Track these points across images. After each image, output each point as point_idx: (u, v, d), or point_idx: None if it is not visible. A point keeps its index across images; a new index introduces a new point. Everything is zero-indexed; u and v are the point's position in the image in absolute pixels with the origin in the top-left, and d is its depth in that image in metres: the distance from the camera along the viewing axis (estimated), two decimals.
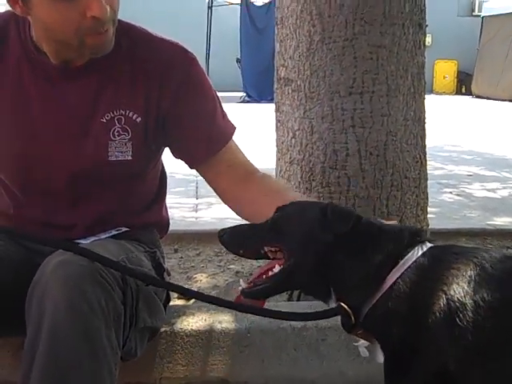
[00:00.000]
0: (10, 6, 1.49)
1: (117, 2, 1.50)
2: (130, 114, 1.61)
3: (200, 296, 1.54)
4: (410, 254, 1.28)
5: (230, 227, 1.44)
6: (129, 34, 1.63)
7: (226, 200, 1.76)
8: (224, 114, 1.73)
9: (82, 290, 1.33)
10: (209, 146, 1.69)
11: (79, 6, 1.42)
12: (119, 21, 1.58)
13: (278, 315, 1.48)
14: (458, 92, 19.03)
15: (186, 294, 1.59)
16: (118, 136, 1.60)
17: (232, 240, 1.43)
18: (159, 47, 1.64)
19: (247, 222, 1.61)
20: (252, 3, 15.34)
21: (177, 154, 1.73)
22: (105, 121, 1.60)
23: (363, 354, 1.38)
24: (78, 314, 1.31)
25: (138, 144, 1.62)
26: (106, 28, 1.48)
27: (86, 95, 1.60)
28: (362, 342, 1.37)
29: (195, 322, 1.90)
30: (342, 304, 1.31)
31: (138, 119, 1.61)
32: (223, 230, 1.43)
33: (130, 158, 1.62)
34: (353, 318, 1.30)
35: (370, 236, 1.32)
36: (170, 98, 1.62)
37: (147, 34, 1.66)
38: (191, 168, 1.76)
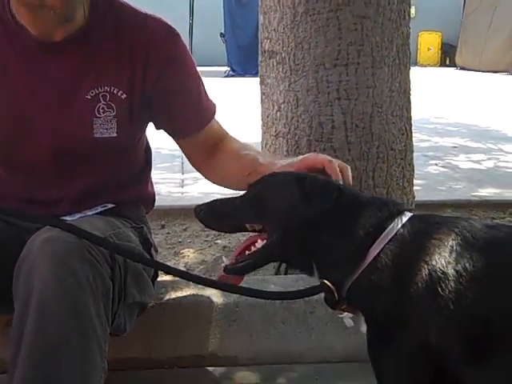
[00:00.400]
0: None
1: None
2: (115, 91, 1.59)
3: (184, 275, 1.54)
4: (390, 226, 1.27)
5: (207, 203, 1.42)
6: (114, 9, 1.61)
7: (200, 171, 1.81)
8: (206, 93, 1.74)
9: (69, 266, 1.32)
10: (193, 124, 1.70)
11: None
12: None
13: (260, 294, 1.49)
14: (443, 64, 18.98)
15: (171, 272, 1.59)
16: (103, 113, 1.59)
17: (210, 217, 1.41)
18: (144, 24, 1.62)
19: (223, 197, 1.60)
20: None
21: (160, 127, 1.74)
22: (89, 97, 1.58)
23: (348, 324, 1.39)
24: (66, 290, 1.31)
25: (122, 121, 1.61)
26: None
27: (70, 70, 1.57)
28: (347, 313, 1.37)
29: (183, 296, 1.91)
30: (325, 281, 1.31)
31: (123, 96, 1.59)
32: (200, 206, 1.41)
33: (115, 134, 1.60)
34: (336, 295, 1.30)
35: (350, 209, 1.31)
36: (155, 74, 1.61)
37: (132, 9, 1.64)
38: (172, 138, 1.78)
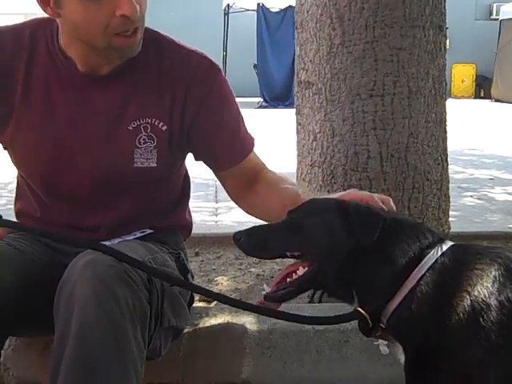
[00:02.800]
0: (42, 8, 1.51)
1: (145, 3, 1.52)
2: (156, 123, 1.62)
3: (222, 298, 1.55)
4: (431, 253, 1.27)
5: (246, 230, 1.42)
6: (156, 42, 1.65)
7: (236, 200, 1.81)
8: (245, 126, 1.77)
9: (110, 289, 1.34)
10: (232, 157, 1.72)
11: (109, 4, 1.44)
12: (147, 29, 1.60)
13: (297, 319, 1.48)
14: (477, 96, 18.90)
15: (209, 295, 1.60)
16: (144, 143, 1.62)
17: (250, 244, 1.41)
18: (186, 57, 1.66)
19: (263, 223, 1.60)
20: (268, 9, 15.36)
21: (199, 158, 1.76)
22: (131, 128, 1.61)
23: (384, 351, 1.38)
24: (106, 313, 1.33)
25: (162, 151, 1.64)
26: (135, 27, 1.49)
27: (113, 103, 1.61)
28: (382, 341, 1.37)
29: (218, 323, 1.91)
30: (359, 309, 1.31)
31: (164, 127, 1.63)
32: (239, 232, 1.41)
33: (154, 165, 1.64)
34: (370, 323, 1.29)
35: (391, 236, 1.31)
36: (195, 107, 1.64)
37: (174, 43, 1.68)
38: (214, 173, 1.80)
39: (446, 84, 2.42)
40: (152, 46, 1.63)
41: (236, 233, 1.41)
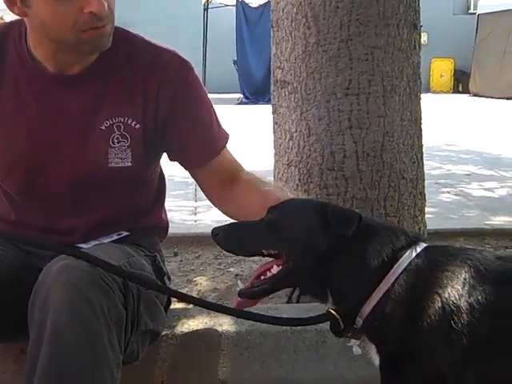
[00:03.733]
0: (8, 7, 1.50)
1: (113, 1, 1.52)
2: (129, 121, 1.62)
3: (197, 301, 1.56)
4: (404, 256, 1.27)
5: (225, 225, 1.43)
6: (127, 41, 1.65)
7: (214, 202, 1.80)
8: (219, 122, 1.76)
9: (84, 294, 1.34)
10: (205, 152, 1.72)
11: (77, 1, 1.44)
12: (117, 28, 1.60)
13: (268, 320, 1.50)
14: (455, 90, 19.03)
15: (185, 299, 1.60)
16: (118, 143, 1.62)
17: (227, 240, 1.42)
18: (157, 55, 1.65)
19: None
20: (247, 4, 15.34)
21: (173, 158, 1.76)
22: (104, 128, 1.61)
23: (356, 352, 1.39)
24: (80, 318, 1.32)
25: (137, 150, 1.64)
26: (103, 23, 1.49)
27: (84, 103, 1.61)
28: (354, 341, 1.38)
29: (196, 325, 1.91)
30: (331, 310, 1.32)
31: (137, 126, 1.63)
32: (217, 228, 1.42)
33: (129, 164, 1.63)
34: (341, 324, 1.30)
35: (365, 238, 1.31)
36: (167, 105, 1.64)
37: (145, 41, 1.68)
38: (185, 169, 1.79)
39: (421, 82, 2.43)
40: (123, 45, 1.63)
41: (214, 228, 1.42)
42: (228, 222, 1.47)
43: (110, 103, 1.61)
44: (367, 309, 1.27)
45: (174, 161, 1.77)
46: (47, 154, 1.61)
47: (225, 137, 1.77)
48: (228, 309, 1.51)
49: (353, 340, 1.37)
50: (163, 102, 1.63)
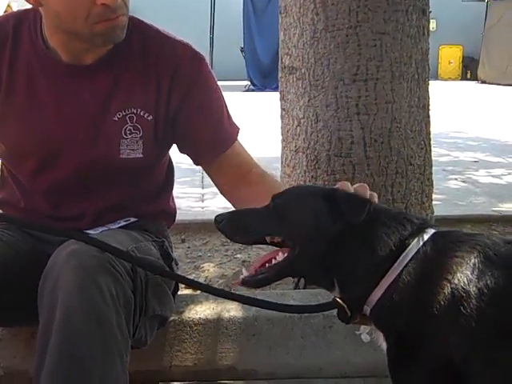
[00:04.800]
0: None
1: None
2: (142, 113, 1.62)
3: (204, 287, 1.57)
4: (413, 244, 1.26)
5: (228, 213, 1.40)
6: (140, 32, 1.64)
7: (224, 194, 1.79)
8: (230, 116, 1.76)
9: (93, 279, 1.35)
10: (215, 147, 1.71)
11: None
12: (132, 18, 1.59)
13: (275, 307, 1.49)
14: (464, 77, 18.91)
15: (192, 284, 1.61)
16: (130, 134, 1.62)
17: (231, 228, 1.38)
18: (170, 47, 1.65)
19: None
20: None
21: (183, 150, 1.76)
22: (116, 119, 1.61)
23: (365, 339, 1.39)
24: (90, 302, 1.33)
25: (148, 142, 1.64)
26: (116, 15, 1.48)
27: (98, 93, 1.61)
28: (363, 328, 1.38)
29: (203, 310, 1.92)
30: (337, 299, 1.31)
31: (149, 117, 1.63)
32: (220, 215, 1.38)
33: (140, 155, 1.64)
34: (348, 312, 1.30)
35: (373, 226, 1.30)
36: (179, 97, 1.64)
37: (159, 32, 1.67)
38: (196, 164, 1.79)
39: (429, 68, 2.42)
40: (137, 36, 1.63)
41: (218, 215, 1.39)
42: (232, 210, 1.45)
43: (123, 94, 1.61)
44: (375, 297, 1.27)
45: (183, 153, 1.76)
46: (59, 142, 1.62)
47: (235, 131, 1.76)
48: (235, 295, 1.51)
49: (362, 327, 1.37)
50: (175, 93, 1.63)
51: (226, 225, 1.38)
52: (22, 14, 1.65)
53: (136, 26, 1.63)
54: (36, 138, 1.62)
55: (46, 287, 1.39)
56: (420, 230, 1.29)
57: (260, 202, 1.53)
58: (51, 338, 1.32)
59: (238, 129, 1.77)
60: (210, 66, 1.72)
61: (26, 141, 1.63)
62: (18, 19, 1.63)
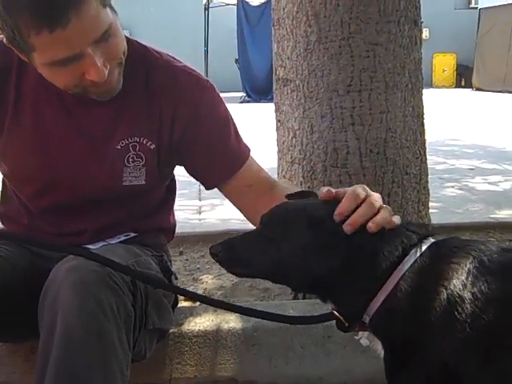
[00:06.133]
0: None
1: (119, 50, 1.48)
2: (145, 141, 1.63)
3: (207, 300, 1.58)
4: (411, 253, 1.28)
5: (222, 243, 1.35)
6: (144, 61, 1.64)
7: (250, 217, 1.75)
8: (238, 137, 1.74)
9: (93, 294, 1.35)
10: (222, 171, 1.71)
11: (76, 70, 1.42)
12: (136, 46, 1.61)
13: (274, 318, 1.50)
14: (458, 85, 19.01)
15: (193, 297, 1.62)
16: (133, 162, 1.63)
17: (228, 259, 1.35)
18: (174, 76, 1.64)
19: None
20: (248, 3, 15.34)
21: (191, 174, 1.76)
22: (119, 147, 1.62)
23: (364, 343, 1.39)
24: (90, 317, 1.33)
25: (151, 169, 1.65)
26: (109, 81, 1.48)
27: (102, 121, 1.61)
28: (361, 333, 1.39)
29: (202, 322, 1.92)
30: (334, 312, 1.31)
31: (152, 146, 1.63)
32: (215, 247, 1.34)
33: (143, 182, 1.65)
34: (345, 323, 1.31)
35: (373, 238, 1.28)
36: (182, 126, 1.64)
37: (162, 59, 1.66)
38: (206, 189, 1.78)
39: (423, 78, 2.44)
40: (140, 62, 1.63)
41: (212, 247, 1.35)
42: (224, 240, 1.38)
43: (126, 123, 1.62)
44: (374, 307, 1.28)
45: (192, 176, 1.76)
46: (62, 169, 1.63)
47: (244, 152, 1.74)
48: (235, 306, 1.52)
49: (360, 331, 1.38)
50: (178, 123, 1.64)
51: (222, 257, 1.35)
52: None
53: (140, 54, 1.63)
54: (38, 164, 1.63)
55: (45, 303, 1.39)
56: (419, 240, 1.31)
57: None
58: (51, 355, 1.32)
59: (249, 150, 1.76)
60: (215, 90, 1.71)
61: (30, 164, 1.64)
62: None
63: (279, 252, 1.31)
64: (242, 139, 1.76)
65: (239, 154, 1.73)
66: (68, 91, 1.51)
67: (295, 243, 1.29)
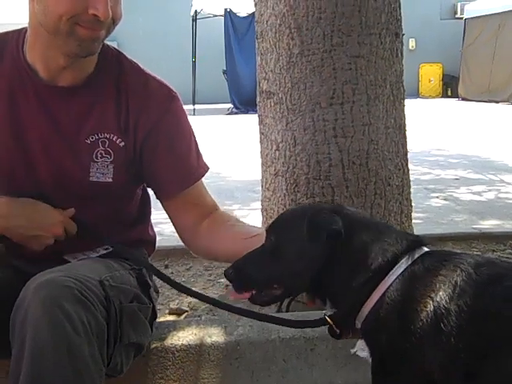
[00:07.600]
0: None
1: (119, 16, 1.55)
2: (114, 138, 1.65)
3: (220, 304, 1.65)
4: (402, 261, 1.30)
5: (234, 265, 1.45)
6: (119, 63, 1.69)
7: (183, 238, 1.81)
8: (199, 154, 1.78)
9: (63, 309, 1.34)
10: (178, 182, 1.73)
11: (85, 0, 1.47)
12: (112, 50, 1.67)
13: (269, 320, 1.58)
14: (444, 95, 19.12)
15: (189, 294, 1.70)
16: (101, 158, 1.64)
17: (240, 280, 1.44)
18: (144, 82, 1.69)
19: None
20: (235, 14, 15.38)
21: (147, 183, 1.79)
22: (89, 142, 1.64)
23: (362, 355, 1.40)
24: (60, 333, 1.33)
25: (118, 167, 1.66)
26: (100, 28, 1.52)
27: (74, 115, 1.64)
28: (357, 345, 1.40)
29: (185, 336, 1.92)
30: (326, 317, 1.36)
31: (121, 144, 1.66)
32: (228, 270, 1.44)
33: (110, 180, 1.66)
34: (336, 329, 1.33)
35: (362, 246, 1.33)
36: (145, 130, 1.67)
37: (136, 67, 1.72)
38: (157, 198, 1.80)
39: (404, 89, 2.46)
40: (115, 66, 1.68)
41: (226, 270, 1.44)
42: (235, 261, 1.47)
43: (96, 119, 1.64)
44: (365, 312, 1.30)
45: (148, 186, 1.79)
46: (34, 160, 1.64)
47: (202, 168, 1.78)
48: (232, 307, 1.58)
49: (356, 345, 1.39)
50: (142, 128, 1.67)
51: (234, 277, 1.44)
52: (5, 35, 1.69)
53: (116, 57, 1.69)
54: (12, 152, 1.64)
55: (16, 321, 1.38)
56: (410, 248, 1.32)
57: (224, 241, 1.67)
58: (22, 371, 1.31)
59: (207, 168, 1.79)
60: (182, 105, 1.75)
61: (2, 152, 1.64)
62: (2, 39, 1.67)
63: (280, 256, 1.38)
64: (202, 156, 1.79)
65: (197, 169, 1.76)
66: (56, 27, 1.51)
67: (294, 244, 1.36)
